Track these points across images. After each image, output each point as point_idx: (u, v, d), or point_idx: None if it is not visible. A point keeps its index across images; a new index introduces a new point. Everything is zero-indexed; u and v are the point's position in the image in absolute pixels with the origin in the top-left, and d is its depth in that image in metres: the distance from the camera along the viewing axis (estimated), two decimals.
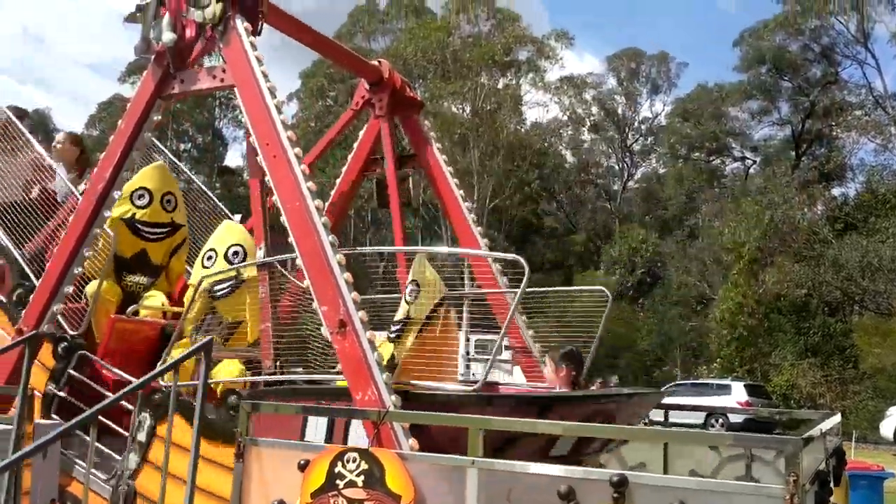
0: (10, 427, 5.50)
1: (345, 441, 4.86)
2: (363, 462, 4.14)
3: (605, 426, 4.19)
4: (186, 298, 6.79)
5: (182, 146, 53.79)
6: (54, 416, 6.17)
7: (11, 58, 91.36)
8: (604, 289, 7.06)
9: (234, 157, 58.45)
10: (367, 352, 5.09)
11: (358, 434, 4.92)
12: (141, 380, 4.51)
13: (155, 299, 7.27)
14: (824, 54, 45.26)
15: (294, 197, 5.52)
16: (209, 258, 6.96)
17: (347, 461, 4.18)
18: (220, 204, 9.17)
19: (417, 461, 4.17)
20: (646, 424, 6.46)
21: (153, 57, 6.42)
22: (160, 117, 6.68)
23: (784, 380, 31.96)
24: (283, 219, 5.64)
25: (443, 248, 7.27)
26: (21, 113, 8.31)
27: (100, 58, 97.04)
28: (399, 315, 6.13)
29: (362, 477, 4.10)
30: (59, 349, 6.47)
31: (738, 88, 48.02)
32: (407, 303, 6.16)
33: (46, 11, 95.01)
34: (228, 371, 6.35)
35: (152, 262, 7.50)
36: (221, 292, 6.58)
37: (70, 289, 6.55)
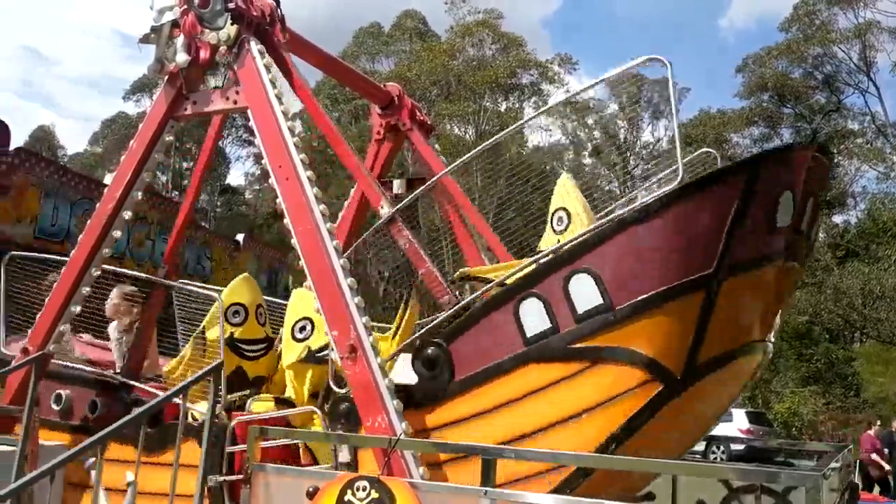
0: (14, 448, 5.45)
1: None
2: (373, 490, 4.09)
3: (622, 458, 4.15)
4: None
5: (185, 165, 53.83)
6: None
7: (14, 75, 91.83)
8: (711, 150, 6.75)
9: (236, 177, 58.63)
10: (377, 377, 5.05)
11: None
12: (154, 402, 4.47)
13: (261, 403, 6.43)
14: (827, 82, 45.47)
15: (306, 220, 5.50)
16: (302, 329, 6.34)
17: (357, 489, 4.12)
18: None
19: (429, 490, 4.12)
20: None
21: (166, 78, 6.42)
22: (171, 138, 6.68)
23: (785, 407, 31.79)
24: (294, 241, 5.62)
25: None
26: None
27: (102, 75, 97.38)
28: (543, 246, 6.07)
29: None
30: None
31: (741, 115, 48.19)
32: (556, 232, 6.07)
33: (48, 28, 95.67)
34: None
35: (249, 378, 6.76)
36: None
37: (78, 308, 6.49)
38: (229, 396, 6.40)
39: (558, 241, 5.94)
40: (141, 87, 50.85)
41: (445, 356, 5.16)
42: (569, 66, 44.78)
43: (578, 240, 5.04)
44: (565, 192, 6.29)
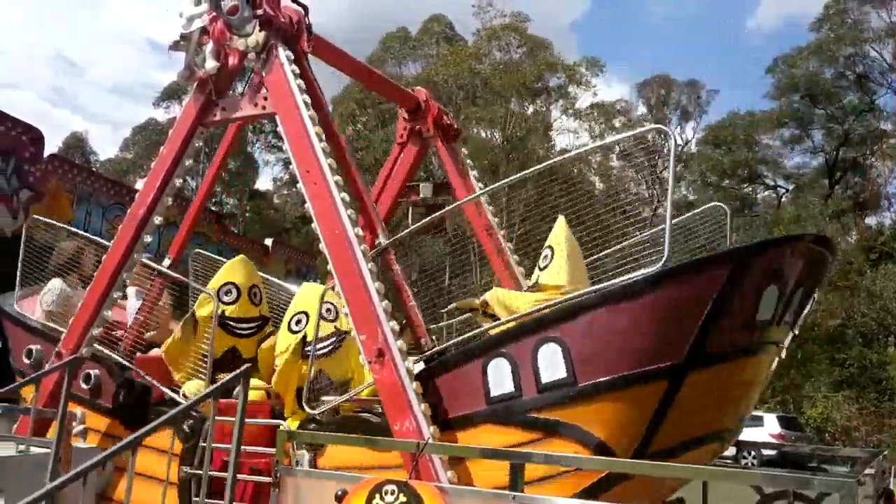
0: (48, 451, 5.52)
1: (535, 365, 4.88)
2: (402, 494, 4.09)
3: (651, 463, 4.11)
4: (284, 368, 6.46)
5: None
6: (197, 498, 5.65)
7: (46, 82, 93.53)
8: (721, 205, 6.78)
9: (265, 182, 58.95)
10: (405, 381, 5.06)
11: (553, 358, 4.88)
12: (183, 406, 4.51)
13: (255, 384, 6.75)
14: (859, 82, 44.76)
15: (334, 225, 5.53)
16: (298, 322, 6.52)
17: (386, 493, 4.12)
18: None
19: (457, 494, 4.11)
20: None
21: (196, 84, 6.49)
22: (201, 143, 6.75)
23: (818, 412, 31.27)
24: (322, 246, 5.65)
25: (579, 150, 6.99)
26: None
27: (133, 82, 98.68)
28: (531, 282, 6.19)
29: None
30: (186, 427, 6.14)
31: (771, 116, 47.57)
32: (540, 269, 6.10)
33: (79, 37, 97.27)
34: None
35: (243, 356, 7.06)
36: (324, 350, 6.22)
37: (109, 313, 6.59)
38: (223, 375, 6.62)
39: (538, 277, 6.04)
40: (171, 94, 51.40)
41: (426, 389, 5.22)
42: (596, 69, 44.48)
43: (556, 306, 5.03)
44: (557, 231, 6.26)
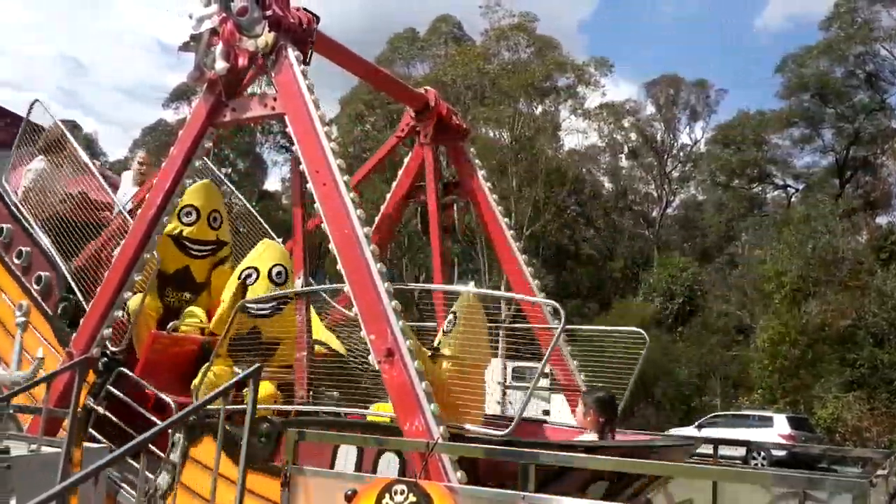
0: (59, 450, 5.55)
1: (374, 472, 4.92)
2: (411, 494, 4.09)
3: (658, 462, 4.10)
4: (223, 315, 6.81)
5: (223, 171, 54.47)
6: (91, 430, 6.20)
7: (54, 82, 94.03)
8: (642, 332, 6.85)
9: (273, 182, 59.11)
10: (415, 381, 5.06)
11: (390, 468, 4.97)
12: (191, 406, 4.52)
13: (195, 315, 7.28)
14: (869, 81, 44.56)
15: (343, 224, 5.54)
16: (249, 276, 6.84)
17: (395, 493, 4.13)
18: (262, 222, 9.18)
19: (466, 495, 4.12)
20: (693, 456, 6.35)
21: (206, 85, 6.51)
22: (211, 144, 6.77)
23: (828, 413, 31.11)
24: (332, 246, 5.66)
25: (483, 291, 7.16)
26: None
27: (143, 84, 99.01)
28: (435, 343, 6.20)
29: None
30: (99, 365, 6.51)
31: (780, 115, 47.40)
32: (444, 332, 6.14)
33: (88, 38, 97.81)
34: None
35: (195, 278, 7.50)
36: (264, 312, 6.51)
37: (120, 312, 6.63)
38: (174, 294, 7.30)
39: (440, 342, 6.11)
40: (180, 95, 51.61)
41: (275, 439, 5.35)
42: (605, 69, 44.42)
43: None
44: (464, 300, 6.20)
